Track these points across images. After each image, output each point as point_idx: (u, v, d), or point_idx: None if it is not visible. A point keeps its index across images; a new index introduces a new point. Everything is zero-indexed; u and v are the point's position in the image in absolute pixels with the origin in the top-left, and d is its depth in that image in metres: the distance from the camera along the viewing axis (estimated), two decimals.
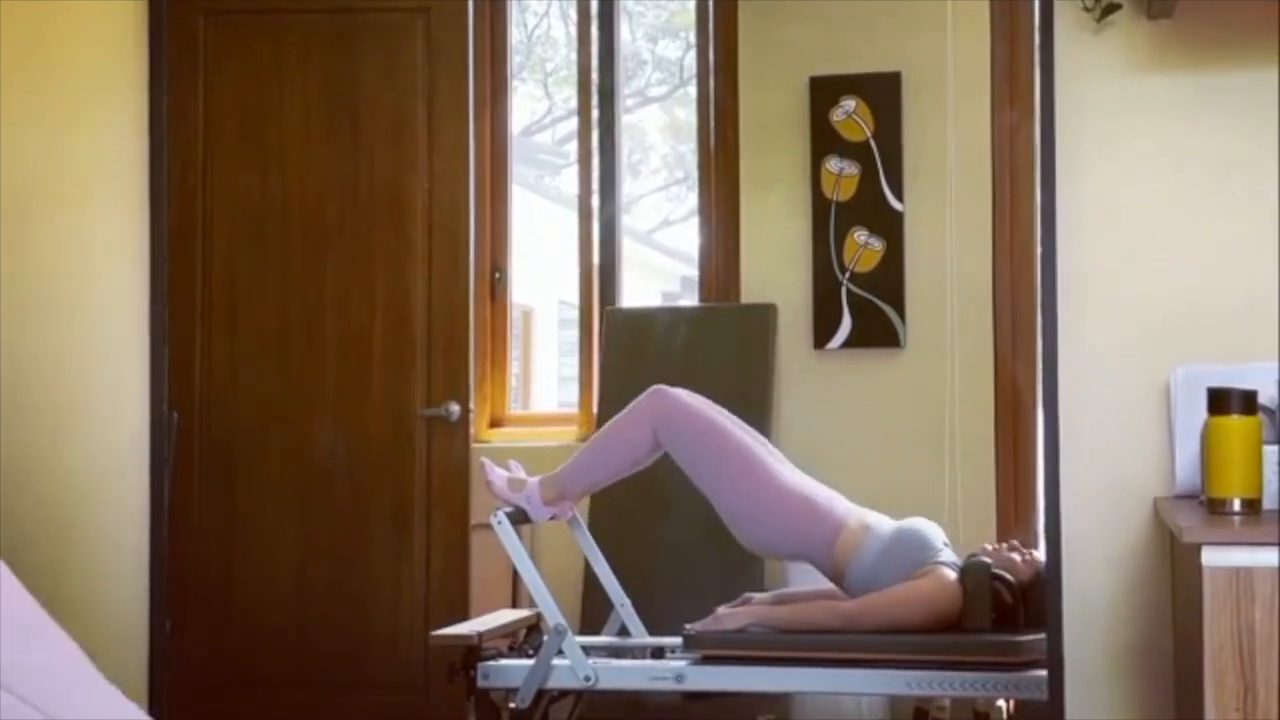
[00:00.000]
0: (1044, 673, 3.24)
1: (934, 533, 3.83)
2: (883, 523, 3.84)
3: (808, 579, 4.29)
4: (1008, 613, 3.63)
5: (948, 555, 3.78)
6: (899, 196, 5.04)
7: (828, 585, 3.86)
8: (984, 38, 4.96)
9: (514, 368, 5.84)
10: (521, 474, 3.92)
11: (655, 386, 3.91)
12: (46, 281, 3.53)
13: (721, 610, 3.78)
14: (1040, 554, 3.74)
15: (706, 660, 3.66)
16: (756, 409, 4.94)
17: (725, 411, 3.95)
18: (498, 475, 3.89)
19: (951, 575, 3.69)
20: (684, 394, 3.90)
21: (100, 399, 3.51)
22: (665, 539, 4.77)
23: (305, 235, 4.60)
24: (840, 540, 3.77)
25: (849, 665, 3.59)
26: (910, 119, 5.06)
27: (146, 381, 3.46)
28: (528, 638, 3.94)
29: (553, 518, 3.94)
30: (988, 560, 3.67)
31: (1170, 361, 3.10)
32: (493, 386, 5.55)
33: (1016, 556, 3.73)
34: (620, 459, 3.90)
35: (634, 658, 3.90)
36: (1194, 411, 2.91)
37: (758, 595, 3.91)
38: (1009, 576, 3.66)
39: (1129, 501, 3.12)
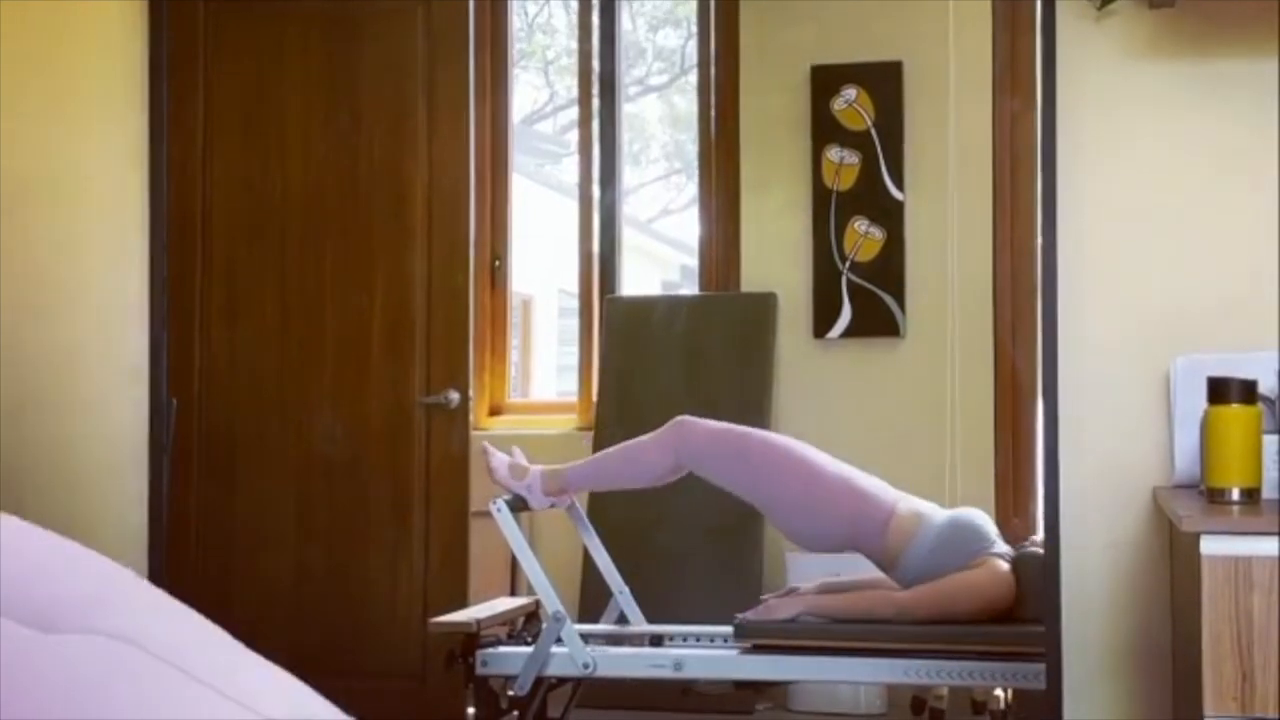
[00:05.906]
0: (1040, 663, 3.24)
1: (987, 524, 3.82)
2: (935, 511, 3.82)
3: (809, 570, 4.29)
4: None
5: (1001, 546, 3.77)
6: (899, 186, 5.04)
7: (864, 576, 3.86)
8: (985, 26, 4.95)
9: (513, 356, 5.83)
10: (524, 460, 3.92)
11: (679, 417, 3.88)
12: (46, 268, 3.52)
13: (771, 599, 3.78)
14: None
15: (757, 650, 3.66)
16: (756, 398, 4.95)
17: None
18: (500, 461, 3.91)
19: (1004, 566, 3.69)
20: (706, 421, 3.88)
21: (100, 386, 3.51)
22: (663, 527, 4.77)
23: (305, 223, 4.59)
24: (892, 528, 3.74)
25: (847, 654, 3.59)
26: (911, 108, 5.06)
27: (146, 369, 3.45)
28: (526, 625, 3.94)
29: (552, 506, 3.95)
30: (1040, 551, 3.65)
31: (1170, 351, 3.09)
32: (492, 375, 5.55)
33: None
34: (634, 476, 3.93)
35: (632, 645, 3.90)
36: (1194, 401, 2.90)
37: (804, 585, 3.87)
38: None
39: (1128, 491, 3.12)
